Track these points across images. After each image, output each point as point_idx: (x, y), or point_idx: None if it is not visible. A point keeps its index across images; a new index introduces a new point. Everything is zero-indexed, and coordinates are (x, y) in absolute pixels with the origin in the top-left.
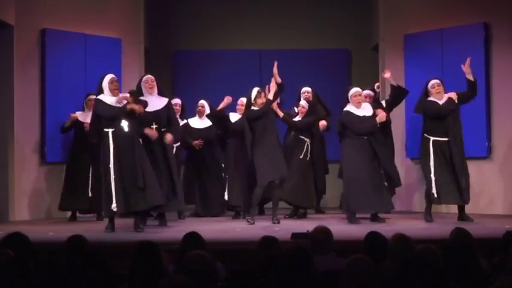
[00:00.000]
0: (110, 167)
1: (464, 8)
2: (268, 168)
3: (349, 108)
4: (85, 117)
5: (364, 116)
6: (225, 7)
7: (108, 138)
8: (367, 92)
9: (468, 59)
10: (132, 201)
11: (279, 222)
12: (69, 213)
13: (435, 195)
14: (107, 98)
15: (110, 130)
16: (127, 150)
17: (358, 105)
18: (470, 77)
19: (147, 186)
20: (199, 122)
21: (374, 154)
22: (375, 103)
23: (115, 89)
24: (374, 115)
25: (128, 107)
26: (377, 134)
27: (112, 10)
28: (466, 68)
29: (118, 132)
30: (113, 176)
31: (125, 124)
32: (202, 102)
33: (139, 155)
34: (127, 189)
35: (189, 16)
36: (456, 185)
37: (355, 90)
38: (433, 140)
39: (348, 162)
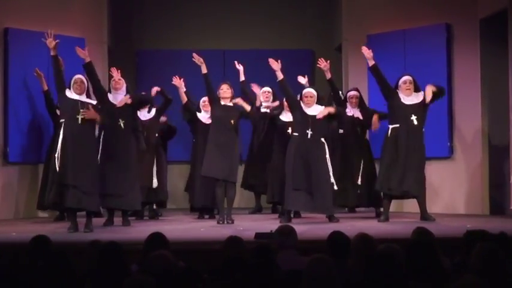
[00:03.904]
0: (55, 157)
1: (427, 9)
2: (216, 163)
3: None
4: None
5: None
6: (189, 7)
7: (60, 129)
8: (352, 92)
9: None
10: (66, 197)
11: (232, 223)
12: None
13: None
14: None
15: (63, 121)
16: (75, 143)
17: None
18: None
19: (85, 187)
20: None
21: (320, 154)
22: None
23: (77, 89)
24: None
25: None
26: (354, 136)
27: (75, 9)
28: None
29: (69, 124)
30: (56, 166)
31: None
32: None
33: (87, 151)
34: (64, 182)
35: (152, 15)
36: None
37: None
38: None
39: (288, 161)
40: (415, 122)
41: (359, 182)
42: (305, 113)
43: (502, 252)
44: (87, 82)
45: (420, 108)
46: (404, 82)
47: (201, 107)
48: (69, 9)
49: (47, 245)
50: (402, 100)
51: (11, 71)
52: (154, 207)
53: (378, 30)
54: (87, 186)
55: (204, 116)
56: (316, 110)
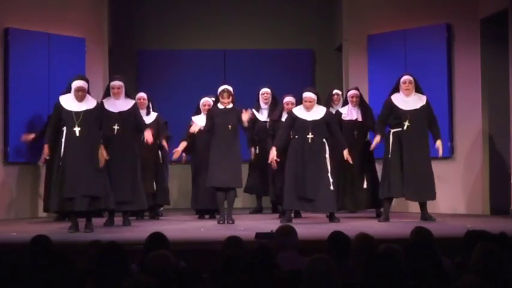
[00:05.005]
0: (59, 164)
1: (427, 9)
2: (219, 172)
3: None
4: None
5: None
6: (189, 7)
7: (63, 136)
8: (353, 91)
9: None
10: (72, 200)
11: (233, 223)
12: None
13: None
14: (69, 102)
15: (65, 128)
16: (76, 150)
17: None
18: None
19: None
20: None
21: (318, 155)
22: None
23: (78, 97)
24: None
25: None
26: (353, 141)
27: (75, 9)
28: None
29: (71, 132)
30: (60, 171)
31: (77, 129)
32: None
33: (89, 157)
34: (68, 187)
35: (152, 15)
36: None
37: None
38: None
39: (288, 162)
40: (416, 126)
41: (365, 185)
42: (304, 120)
43: (502, 252)
44: (88, 86)
45: (422, 111)
46: (404, 82)
47: (200, 108)
48: (69, 9)
49: (47, 245)
50: (400, 106)
51: (11, 71)
52: (162, 208)
53: (378, 30)
54: (96, 190)
55: (203, 119)
56: (317, 112)
